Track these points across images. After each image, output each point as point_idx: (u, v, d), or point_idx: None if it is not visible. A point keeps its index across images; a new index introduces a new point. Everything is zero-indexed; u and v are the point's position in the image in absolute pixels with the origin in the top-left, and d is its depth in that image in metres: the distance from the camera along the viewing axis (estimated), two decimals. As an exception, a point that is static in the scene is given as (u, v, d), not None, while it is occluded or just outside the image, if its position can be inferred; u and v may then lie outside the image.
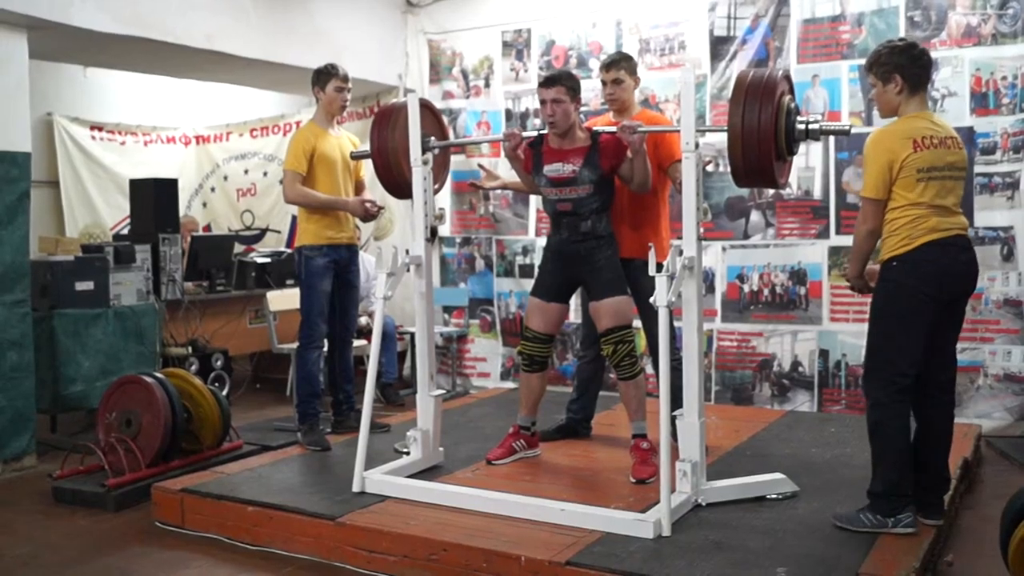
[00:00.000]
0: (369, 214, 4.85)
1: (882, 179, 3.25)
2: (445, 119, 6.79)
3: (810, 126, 3.52)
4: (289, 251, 6.82)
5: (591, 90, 6.05)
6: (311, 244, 4.74)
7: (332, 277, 4.79)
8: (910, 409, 3.27)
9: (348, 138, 4.97)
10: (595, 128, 4.16)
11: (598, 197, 4.05)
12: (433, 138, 4.30)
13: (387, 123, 4.23)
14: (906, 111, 3.32)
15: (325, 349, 4.93)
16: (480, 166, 5.14)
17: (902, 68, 3.30)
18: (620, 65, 4.43)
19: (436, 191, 4.38)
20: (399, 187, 4.30)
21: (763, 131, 3.39)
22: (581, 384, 4.78)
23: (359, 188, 4.97)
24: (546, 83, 4.07)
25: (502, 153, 6.61)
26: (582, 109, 6.22)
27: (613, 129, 3.98)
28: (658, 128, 4.28)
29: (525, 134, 4.20)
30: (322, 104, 4.83)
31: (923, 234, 3.21)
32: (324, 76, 4.79)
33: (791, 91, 3.62)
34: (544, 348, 4.21)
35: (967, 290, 3.37)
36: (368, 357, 4.09)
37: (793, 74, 5.57)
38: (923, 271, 3.22)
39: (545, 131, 4.18)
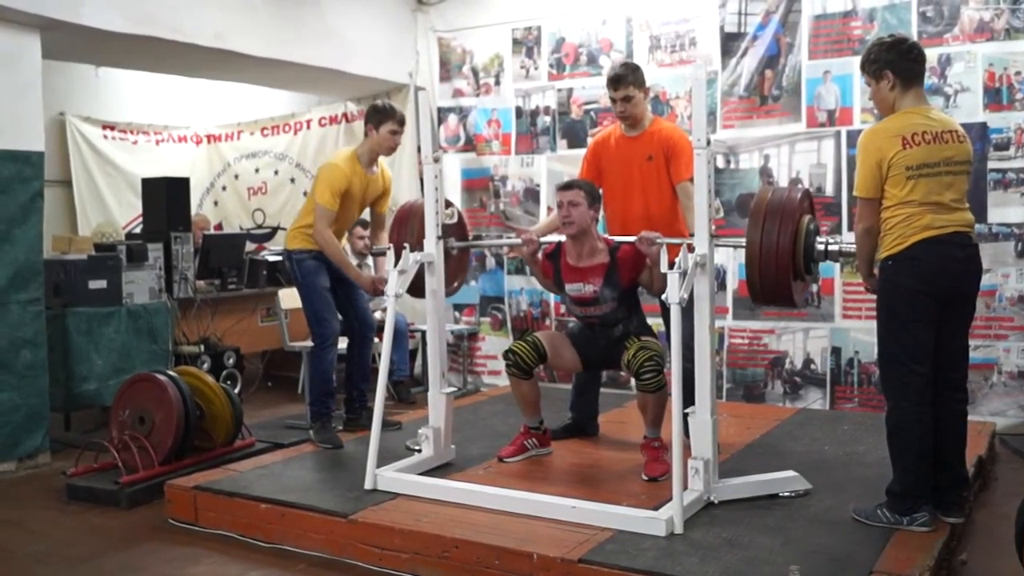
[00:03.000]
0: (377, 293, 4.77)
1: (872, 178, 3.24)
2: (455, 117, 6.89)
3: (829, 247, 3.50)
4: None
5: (601, 87, 6.03)
6: (300, 248, 4.71)
7: (328, 275, 4.75)
8: (931, 412, 3.25)
9: (382, 175, 4.83)
10: (613, 240, 4.09)
11: (624, 307, 4.09)
12: (453, 239, 4.29)
13: (407, 224, 4.25)
14: (901, 106, 3.30)
15: (341, 346, 4.93)
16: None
17: (892, 64, 3.29)
18: (627, 80, 4.30)
19: (454, 292, 4.44)
20: (416, 286, 4.20)
21: (781, 253, 3.39)
22: (578, 384, 4.76)
23: (379, 224, 4.93)
24: (564, 187, 4.10)
25: (512, 151, 6.71)
26: (592, 107, 6.31)
27: (632, 239, 3.91)
28: (674, 240, 3.96)
29: (543, 240, 4.19)
30: (371, 142, 4.67)
31: (916, 232, 3.19)
32: (380, 115, 4.64)
33: (811, 210, 3.59)
34: (534, 357, 4.10)
35: (967, 287, 3.33)
36: (380, 354, 4.09)
37: (804, 70, 5.65)
38: (917, 269, 3.20)
39: (562, 239, 4.16)
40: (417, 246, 4.15)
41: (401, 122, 4.67)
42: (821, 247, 3.50)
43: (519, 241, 4.21)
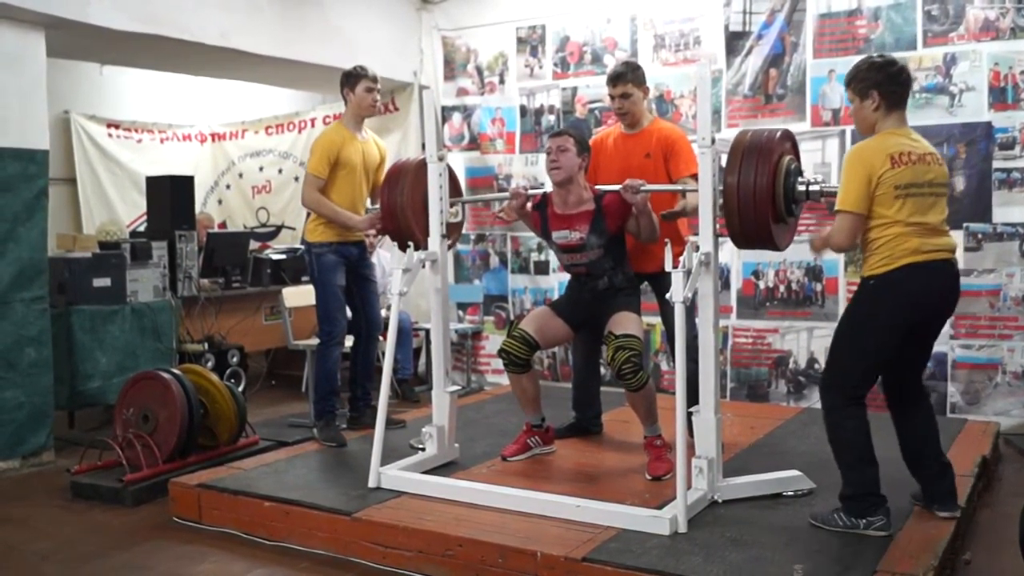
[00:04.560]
0: (379, 233, 4.79)
1: (860, 192, 3.17)
2: (460, 115, 6.90)
3: (810, 187, 3.44)
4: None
5: (605, 85, 6.03)
6: (320, 241, 4.72)
7: (345, 272, 4.78)
8: (865, 411, 3.27)
9: (375, 142, 4.93)
10: (599, 189, 4.11)
11: (610, 256, 4.08)
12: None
13: (396, 182, 4.24)
14: (883, 128, 3.29)
15: (347, 345, 4.93)
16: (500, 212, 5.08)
17: (880, 85, 3.27)
18: (626, 78, 4.34)
19: (450, 247, 4.42)
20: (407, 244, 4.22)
21: (759, 194, 3.32)
22: (578, 380, 4.76)
23: (375, 192, 4.95)
24: (556, 132, 4.12)
25: (516, 150, 6.71)
26: (596, 105, 6.31)
27: (617, 187, 3.94)
28: (660, 188, 4.12)
29: (530, 191, 4.21)
30: (352, 105, 4.78)
31: (904, 255, 3.17)
32: (353, 78, 4.76)
33: (794, 150, 3.55)
34: (525, 349, 4.10)
35: (942, 313, 3.36)
36: (384, 353, 4.10)
37: (809, 69, 5.64)
38: (899, 296, 3.18)
39: (548, 189, 4.18)
40: (408, 206, 4.16)
41: (374, 79, 4.78)
42: (802, 187, 3.44)
43: (508, 195, 4.25)
